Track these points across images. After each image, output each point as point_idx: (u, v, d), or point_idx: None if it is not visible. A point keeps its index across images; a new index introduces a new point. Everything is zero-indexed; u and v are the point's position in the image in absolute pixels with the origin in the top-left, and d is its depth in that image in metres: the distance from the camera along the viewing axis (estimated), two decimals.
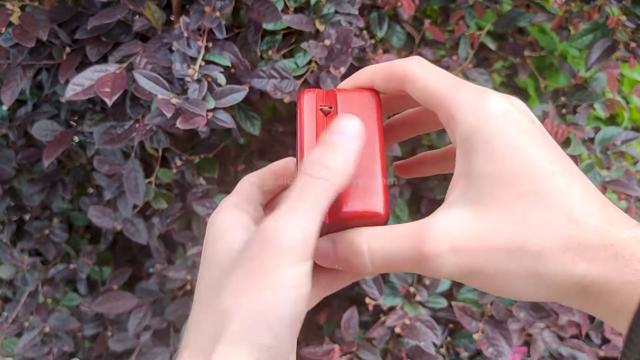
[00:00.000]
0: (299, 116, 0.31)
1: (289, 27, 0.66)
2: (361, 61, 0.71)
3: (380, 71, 0.30)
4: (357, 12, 0.66)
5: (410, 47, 0.80)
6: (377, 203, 0.28)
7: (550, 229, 0.23)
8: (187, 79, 0.58)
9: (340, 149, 0.26)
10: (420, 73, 0.28)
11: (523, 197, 0.24)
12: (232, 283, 0.24)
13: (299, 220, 0.24)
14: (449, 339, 0.77)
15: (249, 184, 0.31)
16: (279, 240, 0.23)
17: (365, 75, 0.31)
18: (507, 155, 0.24)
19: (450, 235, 0.24)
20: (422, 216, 0.92)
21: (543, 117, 0.79)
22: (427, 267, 0.25)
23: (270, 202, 0.33)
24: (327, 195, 0.25)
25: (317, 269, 0.28)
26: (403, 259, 0.25)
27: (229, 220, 0.28)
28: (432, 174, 0.35)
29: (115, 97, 0.57)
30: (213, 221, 0.28)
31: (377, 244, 0.26)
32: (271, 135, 0.85)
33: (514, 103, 0.27)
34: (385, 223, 0.28)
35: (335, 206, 0.27)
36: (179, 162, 0.76)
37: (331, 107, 0.30)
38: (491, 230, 0.24)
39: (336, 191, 0.25)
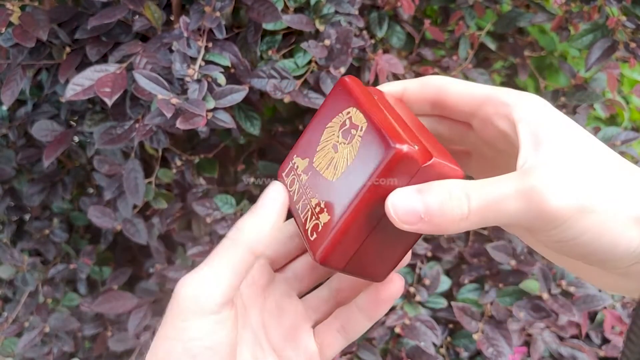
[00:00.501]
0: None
1: (288, 27, 0.66)
2: (361, 61, 0.71)
3: (412, 81, 0.32)
4: (357, 12, 0.66)
5: (410, 47, 0.80)
6: (317, 248, 0.28)
7: None
8: (187, 79, 0.58)
9: (257, 214, 0.29)
10: (455, 82, 0.30)
11: (610, 170, 0.24)
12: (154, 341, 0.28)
13: (206, 277, 0.27)
14: (448, 339, 0.77)
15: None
16: (182, 297, 0.27)
17: (396, 85, 0.32)
18: (581, 142, 0.25)
19: (562, 192, 0.23)
20: None
21: None
22: (538, 224, 0.24)
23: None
24: (237, 255, 0.28)
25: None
26: (507, 215, 0.24)
27: None
28: None
29: (115, 97, 0.57)
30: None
31: (479, 198, 0.24)
32: (271, 135, 0.85)
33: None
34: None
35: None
36: (179, 162, 0.76)
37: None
38: (596, 168, 0.24)
39: (248, 251, 0.28)
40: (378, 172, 0.26)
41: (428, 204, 0.24)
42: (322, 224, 0.28)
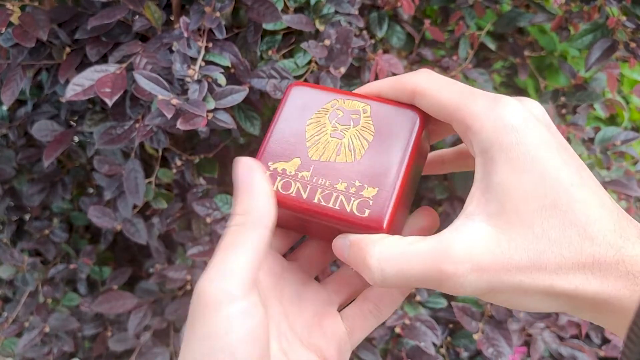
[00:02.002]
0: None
1: (288, 27, 0.66)
2: (361, 61, 0.71)
3: (387, 86, 0.31)
4: (357, 12, 0.66)
5: (410, 47, 0.80)
6: (379, 219, 0.28)
7: (567, 245, 0.23)
8: (187, 79, 0.58)
9: (247, 192, 0.28)
10: (430, 86, 0.28)
11: (542, 211, 0.24)
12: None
13: (224, 266, 0.26)
14: (449, 339, 0.77)
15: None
16: (206, 292, 0.25)
17: (371, 90, 0.31)
18: (526, 168, 0.24)
19: (471, 254, 0.24)
20: None
21: None
22: (446, 286, 0.25)
23: None
24: (251, 234, 0.27)
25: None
26: (419, 277, 0.25)
27: None
28: (446, 172, 0.36)
29: (115, 98, 0.57)
30: None
31: (391, 261, 0.26)
32: None
33: (531, 109, 0.27)
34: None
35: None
36: (179, 162, 0.76)
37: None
38: (512, 247, 0.24)
39: (262, 227, 0.27)
40: (417, 133, 0.30)
41: (349, 261, 0.28)
42: (371, 198, 0.29)
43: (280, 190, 0.30)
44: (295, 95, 0.32)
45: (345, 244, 0.28)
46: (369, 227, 0.28)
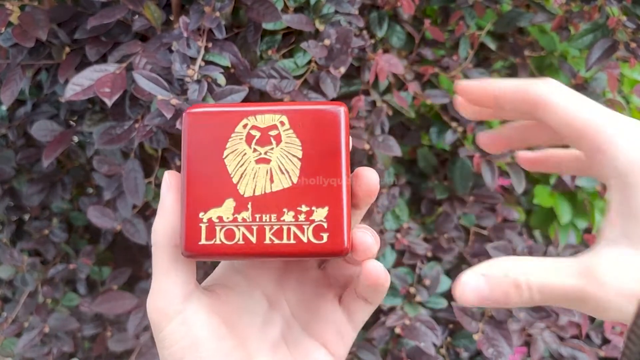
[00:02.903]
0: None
1: (288, 27, 0.66)
2: (361, 61, 0.71)
3: (508, 90, 0.29)
4: (357, 12, 0.66)
5: (410, 47, 0.80)
6: (340, 240, 0.27)
7: None
8: (187, 79, 0.58)
9: (158, 211, 0.29)
10: (559, 99, 0.27)
11: None
12: None
13: (154, 288, 0.29)
14: (449, 339, 0.77)
15: None
16: (149, 314, 0.29)
17: (487, 90, 0.29)
18: None
19: (617, 279, 0.24)
20: (422, 216, 0.91)
21: None
22: (590, 309, 0.25)
23: None
24: (164, 255, 0.29)
25: None
26: (564, 296, 0.25)
27: None
28: (554, 172, 0.35)
29: (115, 98, 0.57)
30: None
31: (537, 278, 0.25)
32: None
33: None
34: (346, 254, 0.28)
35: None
36: (178, 162, 0.76)
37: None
38: None
39: (170, 246, 0.29)
40: (345, 129, 0.28)
41: (493, 292, 0.26)
42: (324, 220, 0.27)
43: (225, 242, 0.27)
44: (197, 125, 0.29)
45: (479, 281, 0.26)
46: (332, 252, 0.27)
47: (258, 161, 0.28)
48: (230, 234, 0.27)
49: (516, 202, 0.94)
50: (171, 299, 0.29)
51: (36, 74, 0.71)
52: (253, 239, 0.27)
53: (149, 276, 0.82)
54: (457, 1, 0.79)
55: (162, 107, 0.55)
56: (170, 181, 0.30)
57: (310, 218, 0.27)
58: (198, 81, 0.57)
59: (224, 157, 0.28)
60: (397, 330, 0.69)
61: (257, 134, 0.28)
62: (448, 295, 0.76)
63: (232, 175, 0.28)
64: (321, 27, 0.64)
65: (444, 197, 0.81)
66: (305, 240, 0.27)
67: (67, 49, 0.66)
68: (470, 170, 0.80)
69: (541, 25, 0.87)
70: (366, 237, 0.28)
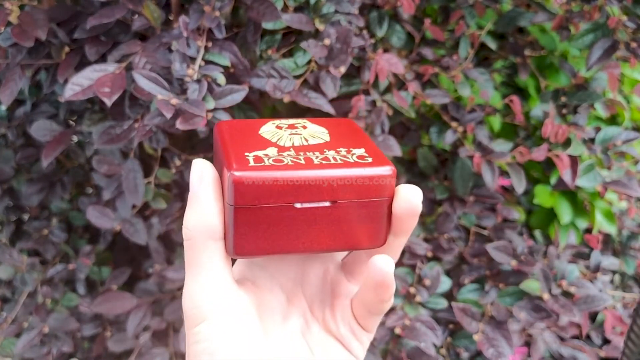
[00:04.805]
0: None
1: (288, 27, 0.66)
2: (361, 60, 0.71)
3: None
4: (357, 12, 0.66)
5: (410, 47, 0.80)
6: (385, 162, 0.28)
7: None
8: (187, 79, 0.58)
9: (191, 204, 0.28)
10: None
11: None
12: None
13: (187, 291, 0.29)
14: (449, 339, 0.77)
15: None
16: (184, 312, 0.29)
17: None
18: None
19: None
20: (422, 216, 0.91)
21: (544, 117, 0.79)
22: None
23: None
24: (199, 251, 0.28)
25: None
26: None
27: None
28: None
29: (114, 97, 0.57)
30: None
31: None
32: None
33: None
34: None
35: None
36: (178, 162, 0.76)
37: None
38: None
39: (203, 246, 0.28)
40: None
41: None
42: (364, 153, 0.29)
43: (275, 164, 0.27)
44: (228, 130, 0.31)
45: None
46: (380, 173, 0.28)
47: (291, 134, 0.30)
48: (278, 161, 0.27)
49: (516, 202, 0.94)
50: (207, 294, 0.28)
51: (35, 73, 0.71)
52: (302, 162, 0.27)
53: (148, 276, 0.82)
54: (457, 1, 0.79)
55: (162, 106, 0.55)
56: (202, 171, 0.28)
57: (351, 152, 0.29)
58: (198, 81, 0.57)
59: (259, 132, 0.30)
60: (397, 331, 0.69)
61: (285, 125, 0.31)
62: (448, 296, 0.76)
63: (270, 139, 0.30)
64: (321, 27, 0.64)
65: (444, 197, 0.81)
66: (352, 160, 0.28)
67: (67, 49, 0.66)
68: (471, 170, 0.79)
69: (541, 25, 0.87)
70: (414, 193, 0.29)
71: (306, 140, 0.30)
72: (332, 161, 0.28)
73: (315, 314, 0.33)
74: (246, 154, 0.28)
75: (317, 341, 0.32)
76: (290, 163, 0.27)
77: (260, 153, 0.28)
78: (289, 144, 0.29)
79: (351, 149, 0.29)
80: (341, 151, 0.29)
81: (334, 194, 0.27)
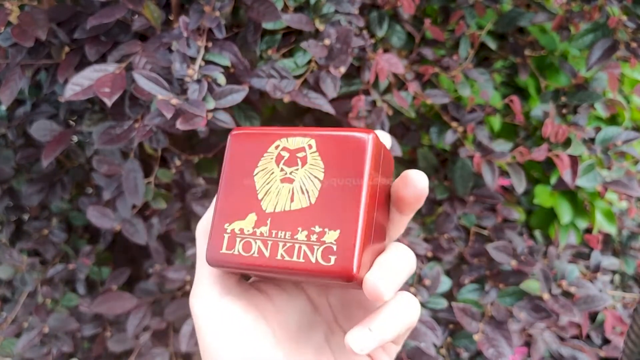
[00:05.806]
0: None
1: (288, 27, 0.66)
2: (361, 61, 0.71)
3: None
4: (357, 12, 0.66)
5: (410, 47, 0.80)
6: (348, 266, 0.27)
7: None
8: (187, 79, 0.58)
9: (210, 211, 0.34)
10: None
11: None
12: None
13: (198, 294, 0.32)
14: (449, 339, 0.77)
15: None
16: (192, 309, 0.32)
17: None
18: None
19: None
20: (422, 216, 0.91)
21: (544, 117, 0.79)
22: None
23: None
24: (202, 271, 0.32)
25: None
26: None
27: None
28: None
29: (114, 98, 0.57)
30: None
31: None
32: None
33: None
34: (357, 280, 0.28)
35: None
36: (178, 162, 0.76)
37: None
38: None
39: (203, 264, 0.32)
40: (371, 157, 0.28)
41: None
42: (334, 243, 0.27)
43: (242, 253, 0.29)
44: (238, 144, 0.32)
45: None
46: (339, 276, 0.27)
47: (283, 180, 0.30)
48: (247, 247, 0.29)
49: (516, 202, 0.94)
50: (210, 294, 0.31)
51: (35, 73, 0.71)
52: (266, 253, 0.29)
53: (148, 276, 0.82)
54: (458, 1, 0.79)
55: (162, 107, 0.55)
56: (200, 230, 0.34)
57: (322, 239, 0.28)
58: (198, 81, 0.57)
59: (254, 174, 0.31)
60: None
61: (286, 155, 0.30)
62: (448, 296, 0.76)
63: (258, 192, 0.30)
64: (321, 27, 0.64)
65: (444, 197, 0.81)
66: (313, 260, 0.28)
67: (67, 49, 0.66)
68: (471, 170, 0.79)
69: (541, 25, 0.87)
70: (379, 283, 0.27)
71: (292, 199, 0.29)
72: (294, 258, 0.28)
73: (340, 323, 0.34)
74: (226, 226, 0.30)
75: (343, 351, 0.32)
76: (255, 254, 0.29)
77: (237, 227, 0.30)
78: (271, 208, 0.29)
79: (326, 229, 0.28)
80: (312, 237, 0.28)
81: (298, 281, 0.31)
